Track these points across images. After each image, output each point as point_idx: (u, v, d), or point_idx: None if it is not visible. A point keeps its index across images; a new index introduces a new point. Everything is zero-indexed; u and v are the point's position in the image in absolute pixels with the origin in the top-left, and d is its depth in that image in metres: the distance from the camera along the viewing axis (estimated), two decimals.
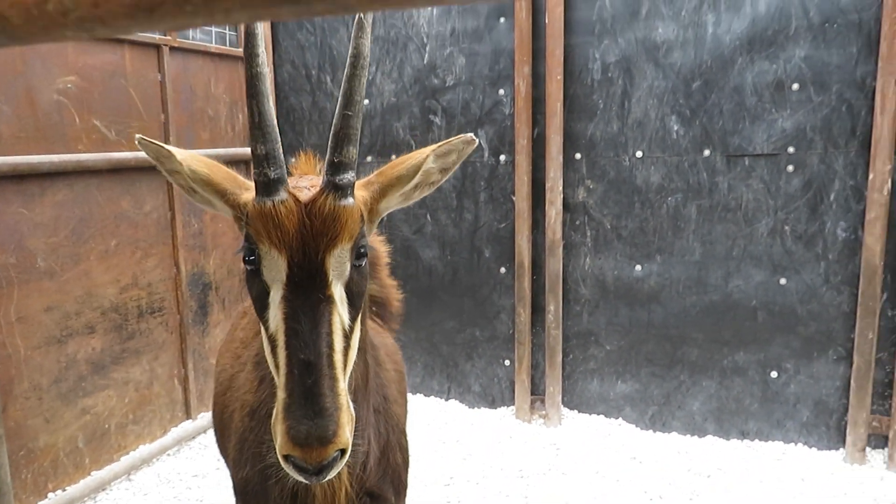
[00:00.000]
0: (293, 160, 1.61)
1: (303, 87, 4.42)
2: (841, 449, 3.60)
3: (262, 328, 1.24)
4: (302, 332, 1.15)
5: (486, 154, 4.05)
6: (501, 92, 3.94)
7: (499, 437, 3.94)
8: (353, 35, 1.27)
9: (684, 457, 3.70)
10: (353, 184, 1.25)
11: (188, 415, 3.88)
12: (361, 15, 1.24)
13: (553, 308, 3.95)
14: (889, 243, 3.34)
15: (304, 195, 1.23)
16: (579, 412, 4.14)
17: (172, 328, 3.71)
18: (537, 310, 4.07)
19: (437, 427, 4.10)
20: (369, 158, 4.35)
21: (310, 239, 1.18)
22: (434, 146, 1.41)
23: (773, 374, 3.68)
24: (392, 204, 1.44)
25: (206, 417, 3.88)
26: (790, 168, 3.47)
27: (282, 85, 4.46)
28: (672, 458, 3.67)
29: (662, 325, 3.85)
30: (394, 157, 4.28)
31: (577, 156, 3.84)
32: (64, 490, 3.19)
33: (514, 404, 4.18)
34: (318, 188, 1.24)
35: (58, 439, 3.16)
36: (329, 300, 1.19)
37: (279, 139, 1.24)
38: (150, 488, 3.44)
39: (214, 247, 3.95)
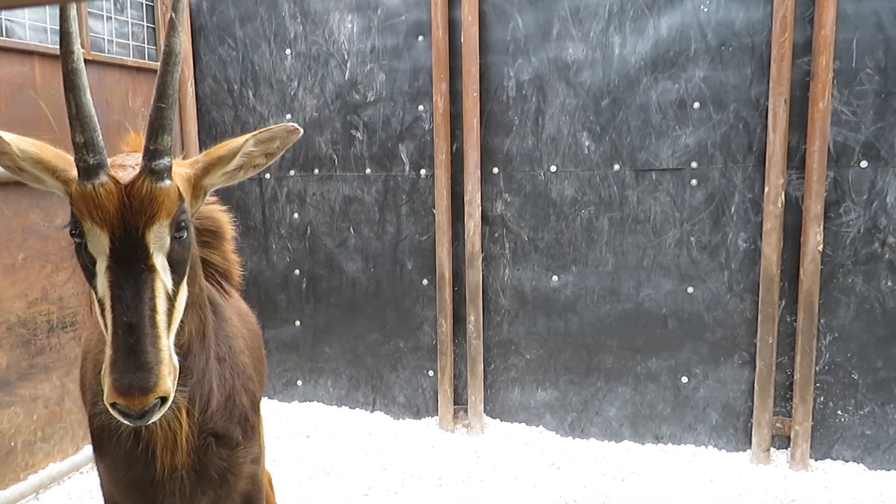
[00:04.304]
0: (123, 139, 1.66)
1: (225, 101, 4.43)
2: (748, 450, 3.76)
3: (93, 293, 1.38)
4: (125, 297, 1.30)
5: (408, 168, 4.13)
6: (421, 108, 4.03)
7: (421, 448, 3.98)
8: (165, 34, 1.39)
9: (601, 461, 3.80)
10: (170, 167, 1.38)
11: None
12: (173, 14, 1.37)
13: (474, 318, 4.03)
14: (785, 253, 3.53)
15: (125, 176, 1.35)
16: (501, 421, 4.21)
17: None
18: (459, 320, 4.14)
19: (360, 439, 4.12)
20: (292, 172, 4.37)
21: (130, 217, 1.32)
22: (255, 132, 1.56)
23: (684, 380, 3.83)
24: (216, 181, 1.57)
25: None
26: (694, 182, 3.64)
27: (203, 99, 4.45)
28: (589, 464, 3.77)
29: (579, 334, 3.97)
30: (316, 171, 4.32)
31: (495, 170, 3.95)
32: None
33: (437, 414, 4.23)
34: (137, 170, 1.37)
35: None
36: (151, 269, 1.34)
37: (98, 128, 1.34)
38: None
39: None
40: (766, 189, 3.46)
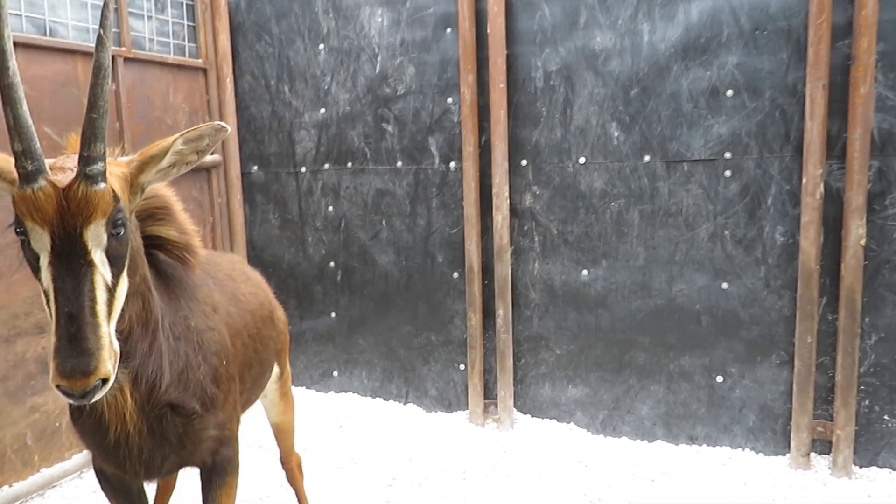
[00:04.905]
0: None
1: (262, 96, 4.54)
2: (787, 454, 3.60)
3: (40, 285, 1.47)
4: (66, 290, 1.39)
5: (437, 161, 4.13)
6: (450, 100, 4.02)
7: (449, 441, 3.99)
8: (95, 49, 1.46)
9: (631, 461, 3.71)
10: (103, 171, 1.45)
11: None
12: (102, 31, 1.45)
13: (502, 312, 4.00)
14: (825, 247, 3.36)
15: (63, 180, 1.43)
16: (532, 416, 4.17)
17: None
18: (488, 314, 4.12)
19: (391, 430, 4.16)
20: (326, 166, 4.45)
21: (68, 217, 1.40)
22: (184, 131, 1.64)
23: (719, 379, 3.70)
24: (151, 178, 1.65)
25: None
26: (727, 173, 3.50)
27: (242, 95, 4.58)
28: (618, 463, 3.69)
29: (610, 330, 3.89)
30: (349, 164, 4.38)
31: (524, 162, 3.91)
32: (10, 486, 3.28)
33: (468, 408, 4.23)
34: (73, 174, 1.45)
35: (5, 436, 3.26)
36: (90, 264, 1.43)
37: (35, 137, 1.42)
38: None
39: None
40: (804, 180, 3.29)
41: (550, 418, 4.12)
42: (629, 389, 3.90)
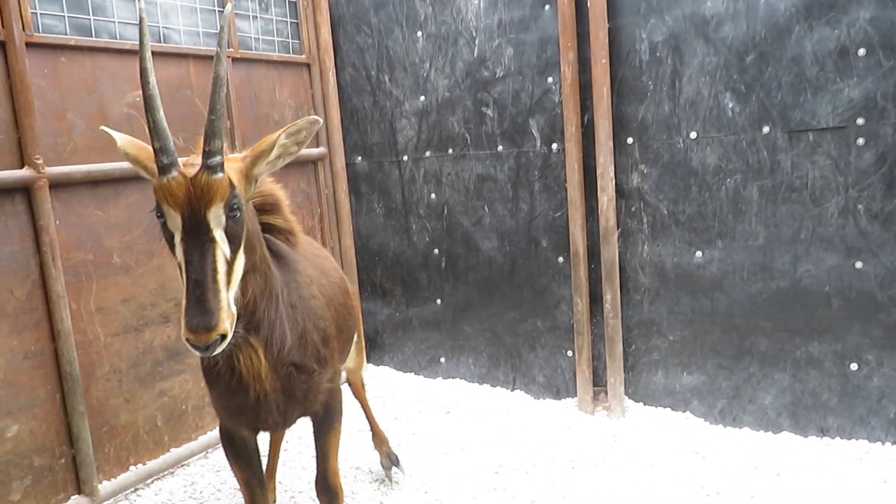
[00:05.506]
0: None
1: (364, 87, 4.60)
2: None
3: (175, 259, 1.76)
4: (193, 261, 1.68)
5: (539, 143, 4.03)
6: (550, 80, 3.90)
7: (557, 428, 3.91)
8: (214, 63, 1.75)
9: (753, 453, 3.49)
10: (221, 163, 1.73)
11: None
12: (219, 49, 1.74)
13: (610, 297, 3.86)
14: None
15: (191, 172, 1.73)
16: (645, 404, 4.01)
17: None
18: (596, 299, 3.99)
19: (498, 417, 4.13)
20: (428, 153, 4.45)
21: (194, 201, 1.69)
22: (285, 127, 1.90)
23: (853, 367, 3.39)
24: (262, 169, 1.93)
25: None
26: (860, 141, 3.18)
27: (344, 87, 4.66)
28: (739, 455, 3.48)
29: (727, 314, 3.66)
30: (450, 150, 4.36)
31: (629, 140, 3.73)
32: (144, 464, 3.53)
33: (577, 396, 4.12)
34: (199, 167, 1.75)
35: (137, 418, 3.51)
36: (212, 240, 1.72)
37: (170, 137, 1.72)
38: (224, 465, 3.73)
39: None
40: None
41: (664, 407, 3.94)
42: (750, 377, 3.66)
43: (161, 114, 1.72)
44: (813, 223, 3.36)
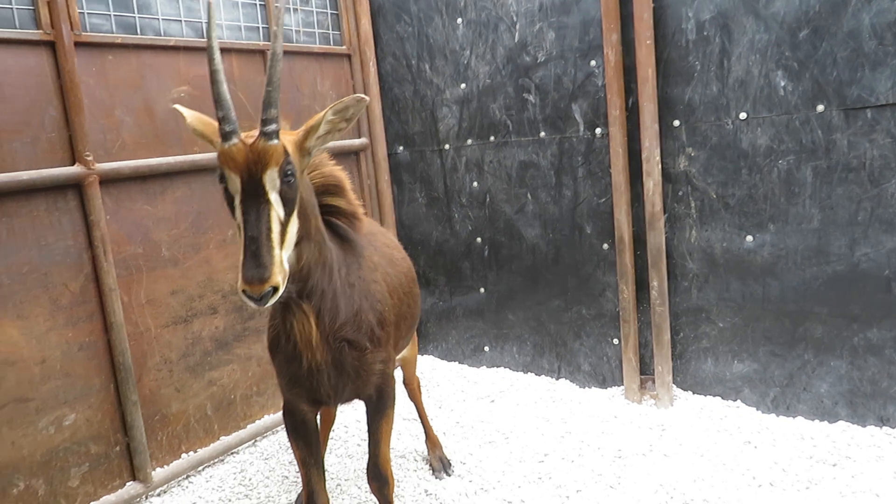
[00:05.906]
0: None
1: (404, 76, 4.58)
2: None
3: (234, 220, 1.89)
4: (250, 220, 1.82)
5: (582, 128, 3.95)
6: (593, 63, 3.82)
7: (603, 417, 3.86)
8: (271, 41, 1.90)
9: (808, 443, 3.38)
10: (277, 132, 1.87)
11: None
12: (276, 27, 1.89)
13: (657, 284, 3.78)
14: None
15: (249, 139, 1.87)
16: (693, 393, 3.93)
17: None
18: (642, 286, 3.91)
19: (543, 405, 4.10)
20: (469, 141, 4.42)
21: (252, 165, 1.83)
22: (332, 104, 2.00)
23: None
24: (314, 143, 2.04)
25: None
26: None
27: (385, 77, 4.66)
28: (793, 444, 3.38)
29: (780, 300, 3.54)
30: (492, 138, 4.32)
31: (676, 123, 3.63)
32: (195, 452, 3.62)
33: (623, 384, 4.06)
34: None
35: (188, 407, 3.59)
36: (267, 202, 1.85)
37: (232, 107, 1.86)
38: (271, 453, 3.80)
39: None
40: None
41: (714, 395, 3.85)
42: (805, 365, 3.54)
43: (225, 87, 1.86)
44: (871, 204, 3.22)
